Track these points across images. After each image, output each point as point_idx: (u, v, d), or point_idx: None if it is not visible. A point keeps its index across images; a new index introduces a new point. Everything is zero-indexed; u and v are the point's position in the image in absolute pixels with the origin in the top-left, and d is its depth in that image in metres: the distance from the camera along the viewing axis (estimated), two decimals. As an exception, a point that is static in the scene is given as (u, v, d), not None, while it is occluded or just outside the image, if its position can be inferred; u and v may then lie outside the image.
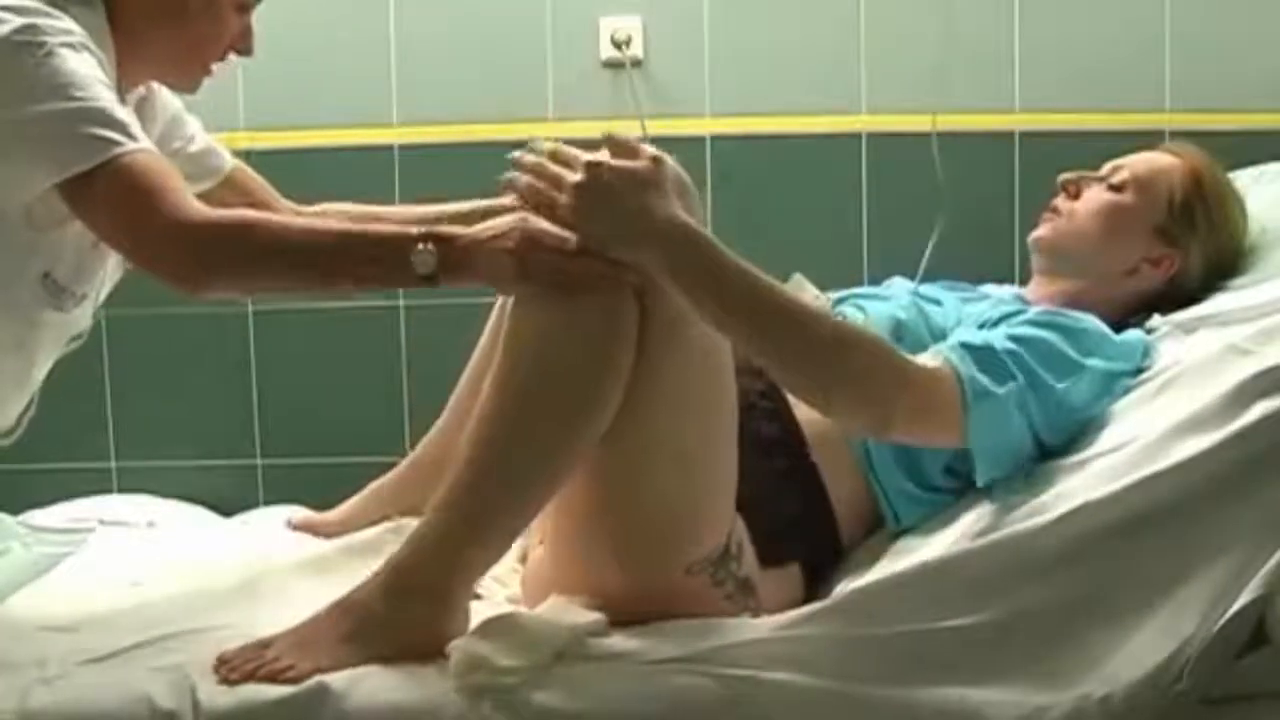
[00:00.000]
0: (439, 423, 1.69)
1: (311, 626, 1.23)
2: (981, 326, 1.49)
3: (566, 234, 1.25)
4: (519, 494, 1.26)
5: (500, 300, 1.63)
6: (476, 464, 1.25)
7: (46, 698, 1.16)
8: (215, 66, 1.51)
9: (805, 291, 1.44)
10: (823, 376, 1.27)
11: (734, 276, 1.24)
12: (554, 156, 1.27)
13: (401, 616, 1.22)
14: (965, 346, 1.34)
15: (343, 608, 1.24)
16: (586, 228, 1.24)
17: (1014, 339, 1.38)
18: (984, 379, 1.31)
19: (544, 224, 1.26)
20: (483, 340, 1.66)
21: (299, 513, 1.78)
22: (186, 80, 1.52)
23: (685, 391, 1.28)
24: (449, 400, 1.70)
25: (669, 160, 1.29)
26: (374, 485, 1.72)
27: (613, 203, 1.24)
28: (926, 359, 1.33)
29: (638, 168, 1.25)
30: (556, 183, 1.25)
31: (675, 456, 1.28)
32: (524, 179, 1.28)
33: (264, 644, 1.21)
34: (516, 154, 1.46)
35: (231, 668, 1.18)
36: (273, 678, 1.16)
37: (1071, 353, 1.40)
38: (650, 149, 1.28)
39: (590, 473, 1.27)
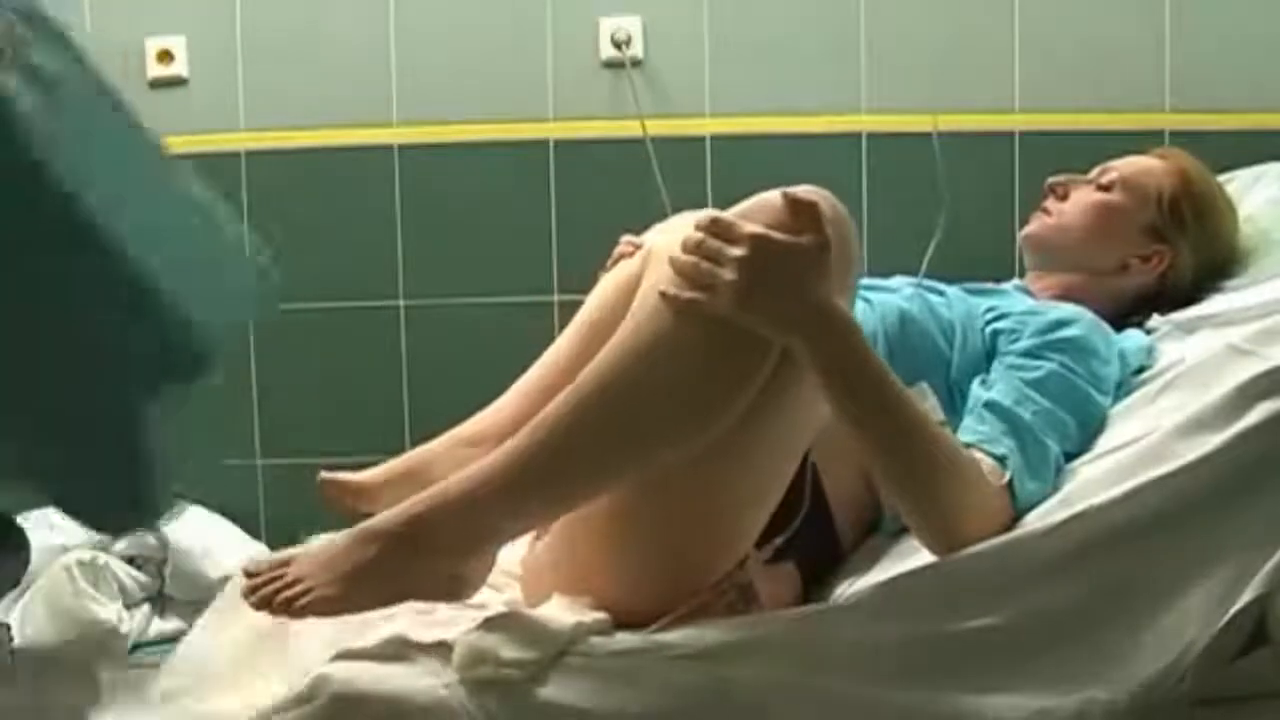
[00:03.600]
0: (498, 402, 1.59)
1: (332, 551, 1.21)
2: (992, 322, 1.50)
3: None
4: (592, 477, 1.22)
5: (605, 286, 1.58)
6: (561, 433, 1.20)
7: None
8: None
9: (927, 400, 1.43)
10: (921, 500, 1.25)
11: (869, 380, 1.20)
12: (712, 228, 1.19)
13: (425, 558, 1.19)
14: (1014, 434, 1.32)
15: (366, 535, 1.21)
16: (744, 313, 1.17)
17: (1036, 386, 1.38)
18: (1034, 485, 1.30)
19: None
20: (570, 334, 1.58)
21: None
22: None
23: (778, 440, 1.27)
24: (519, 381, 1.59)
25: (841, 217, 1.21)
26: (410, 455, 1.59)
27: (772, 281, 1.17)
28: (983, 450, 1.31)
29: (805, 246, 1.18)
30: (716, 258, 1.18)
31: (742, 494, 1.28)
32: (686, 258, 1.19)
33: (285, 561, 1.21)
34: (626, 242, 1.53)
35: (253, 587, 1.18)
36: (287, 608, 1.16)
37: (1091, 390, 1.40)
38: (827, 225, 1.18)
39: (646, 482, 1.24)
